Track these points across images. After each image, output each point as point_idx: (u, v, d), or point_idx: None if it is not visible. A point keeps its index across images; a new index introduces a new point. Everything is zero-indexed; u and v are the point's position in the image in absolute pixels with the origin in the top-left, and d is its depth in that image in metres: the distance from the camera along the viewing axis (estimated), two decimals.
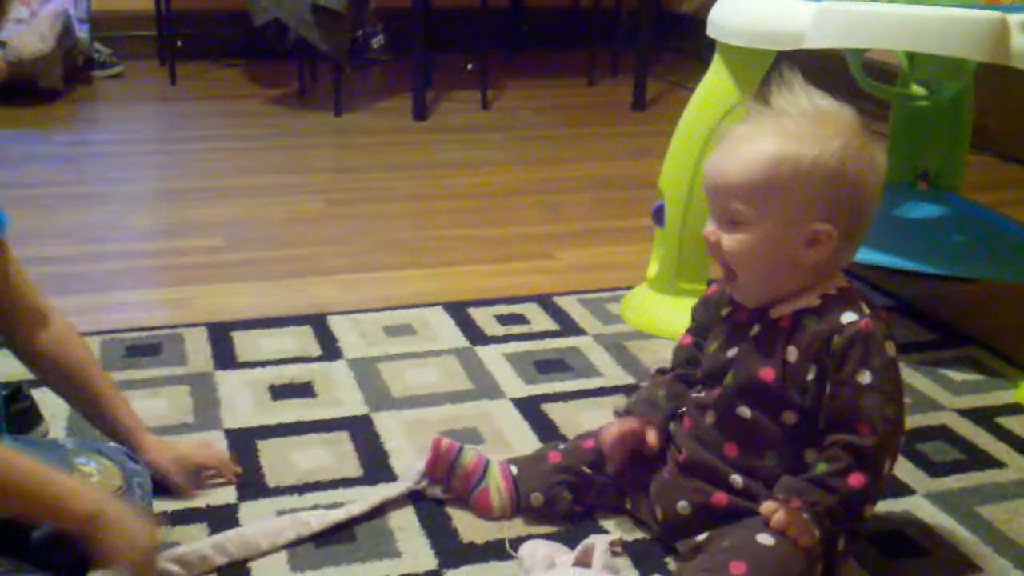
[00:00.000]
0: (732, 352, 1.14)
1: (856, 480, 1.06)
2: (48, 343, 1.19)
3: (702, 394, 1.18)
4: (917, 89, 2.05)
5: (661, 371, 1.27)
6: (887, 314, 1.12)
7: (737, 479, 1.13)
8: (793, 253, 1.09)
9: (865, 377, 1.06)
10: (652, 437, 1.20)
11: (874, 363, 1.06)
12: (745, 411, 1.12)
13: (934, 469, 1.37)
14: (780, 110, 1.11)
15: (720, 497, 1.13)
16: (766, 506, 1.08)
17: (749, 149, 1.09)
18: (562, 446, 1.28)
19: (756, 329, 1.13)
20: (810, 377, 1.08)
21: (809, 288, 1.11)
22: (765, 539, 1.06)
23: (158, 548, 1.06)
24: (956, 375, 1.63)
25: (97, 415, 1.23)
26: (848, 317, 1.07)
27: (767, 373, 1.10)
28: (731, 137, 1.12)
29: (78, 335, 1.23)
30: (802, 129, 1.08)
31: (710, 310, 1.22)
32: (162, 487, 1.22)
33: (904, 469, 1.36)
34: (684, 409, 1.20)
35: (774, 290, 1.12)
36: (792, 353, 1.09)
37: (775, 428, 1.11)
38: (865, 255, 1.74)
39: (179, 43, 3.71)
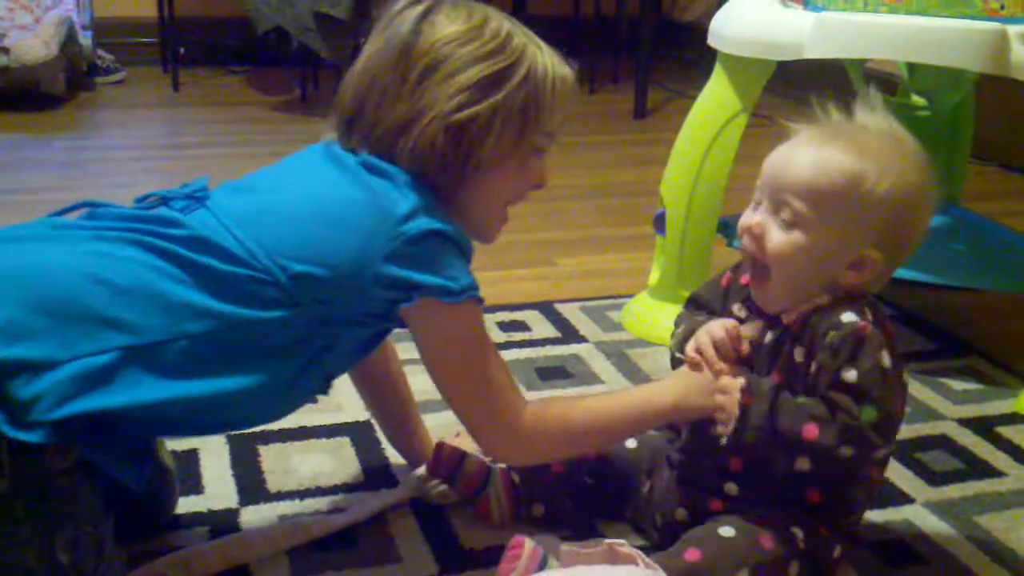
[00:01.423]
0: (755, 363, 1.12)
1: (810, 431, 1.04)
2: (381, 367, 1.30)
3: None
4: (917, 99, 2.05)
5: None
6: (891, 326, 1.10)
7: (732, 487, 1.13)
8: (834, 271, 1.07)
9: (850, 375, 1.04)
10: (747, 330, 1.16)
11: (862, 364, 1.04)
12: None
13: (934, 478, 1.37)
14: (862, 125, 1.08)
15: (716, 504, 1.14)
16: (725, 380, 1.09)
17: (828, 155, 1.05)
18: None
19: (770, 336, 1.11)
20: (809, 371, 1.07)
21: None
22: (726, 531, 1.07)
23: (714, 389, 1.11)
24: (956, 384, 1.63)
25: (403, 433, 1.33)
26: (848, 316, 1.06)
27: (775, 378, 1.10)
28: (805, 136, 1.09)
29: (394, 349, 1.31)
30: (881, 151, 1.05)
31: (718, 298, 1.20)
32: None
33: (904, 478, 1.36)
34: None
35: (798, 299, 1.10)
36: (799, 353, 1.09)
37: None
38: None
39: (182, 50, 3.73)
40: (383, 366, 1.30)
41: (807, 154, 1.07)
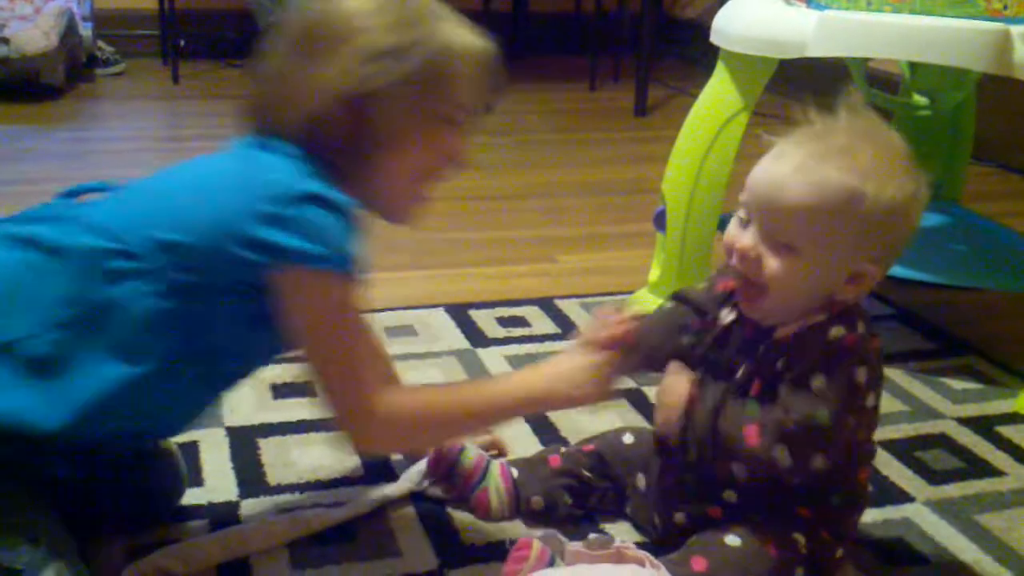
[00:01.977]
0: (740, 373, 1.10)
1: (751, 437, 1.03)
2: None
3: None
4: (919, 99, 2.05)
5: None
6: (877, 339, 1.08)
7: (731, 494, 1.11)
8: (832, 288, 1.05)
9: (817, 380, 1.03)
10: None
11: (834, 373, 1.03)
12: None
13: (934, 477, 1.37)
14: (849, 132, 1.04)
15: (716, 511, 1.12)
16: (679, 378, 1.09)
17: (825, 175, 1.01)
18: (563, 449, 1.28)
19: (761, 350, 1.09)
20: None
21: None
22: (732, 540, 1.06)
23: (593, 374, 1.11)
24: (956, 384, 1.63)
25: None
26: (837, 331, 1.04)
27: (756, 388, 1.08)
28: (797, 153, 1.03)
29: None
30: (879, 164, 1.02)
31: (710, 304, 1.17)
32: None
33: (904, 477, 1.36)
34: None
35: (794, 315, 1.07)
36: (782, 363, 1.06)
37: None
38: None
39: (182, 42, 3.72)
40: None
41: (800, 175, 1.02)
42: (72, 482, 1.05)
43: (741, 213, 1.07)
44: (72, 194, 1.09)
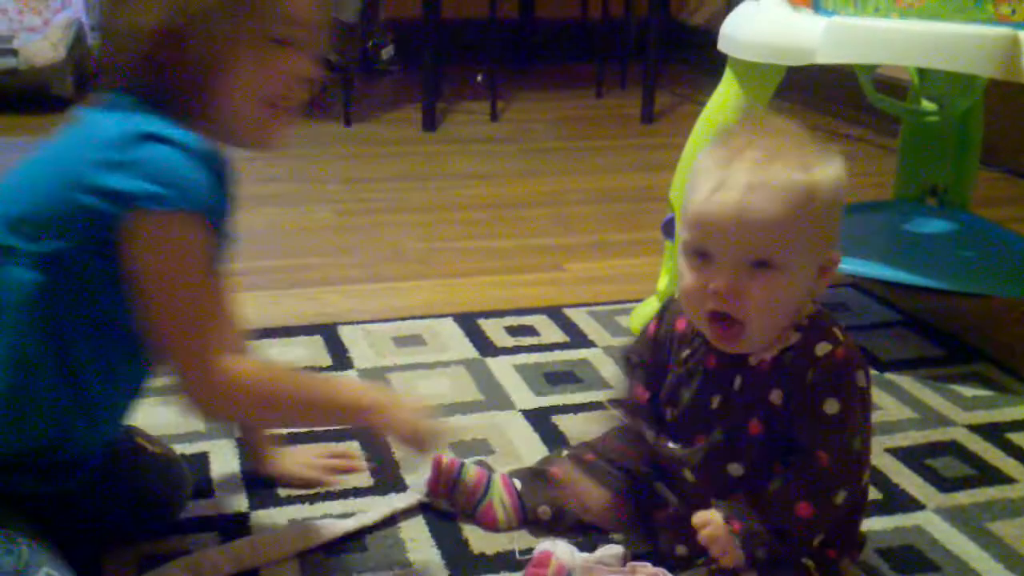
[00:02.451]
0: (715, 404, 1.07)
1: (804, 510, 1.02)
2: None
3: (675, 446, 1.12)
4: (927, 105, 2.05)
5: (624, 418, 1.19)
6: (852, 340, 1.06)
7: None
8: (810, 287, 1.04)
9: (831, 406, 1.01)
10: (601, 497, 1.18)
11: (844, 392, 1.02)
12: (736, 468, 1.07)
13: (945, 484, 1.36)
14: (753, 134, 1.03)
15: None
16: (697, 516, 1.03)
17: (773, 182, 0.99)
18: (565, 453, 1.27)
19: (739, 381, 1.07)
20: (792, 412, 1.04)
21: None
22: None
23: (432, 420, 1.10)
24: (966, 390, 1.63)
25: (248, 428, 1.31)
26: (823, 348, 1.03)
27: (755, 426, 1.06)
28: (730, 172, 1.00)
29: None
30: (804, 153, 1.01)
31: (659, 352, 1.14)
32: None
33: (915, 484, 1.36)
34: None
35: (776, 334, 1.05)
36: (776, 396, 1.05)
37: (767, 481, 1.05)
38: (875, 270, 1.75)
39: None
40: None
41: (755, 192, 0.98)
42: (47, 496, 1.05)
43: (689, 256, 1.03)
44: None
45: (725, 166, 1.00)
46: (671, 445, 1.13)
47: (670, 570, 1.11)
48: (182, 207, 0.94)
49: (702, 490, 1.09)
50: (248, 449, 1.34)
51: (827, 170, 1.02)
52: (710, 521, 1.03)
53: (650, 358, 1.16)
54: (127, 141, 0.94)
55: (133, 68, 0.99)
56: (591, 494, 1.18)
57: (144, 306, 0.97)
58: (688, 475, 1.11)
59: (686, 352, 1.11)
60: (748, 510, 1.03)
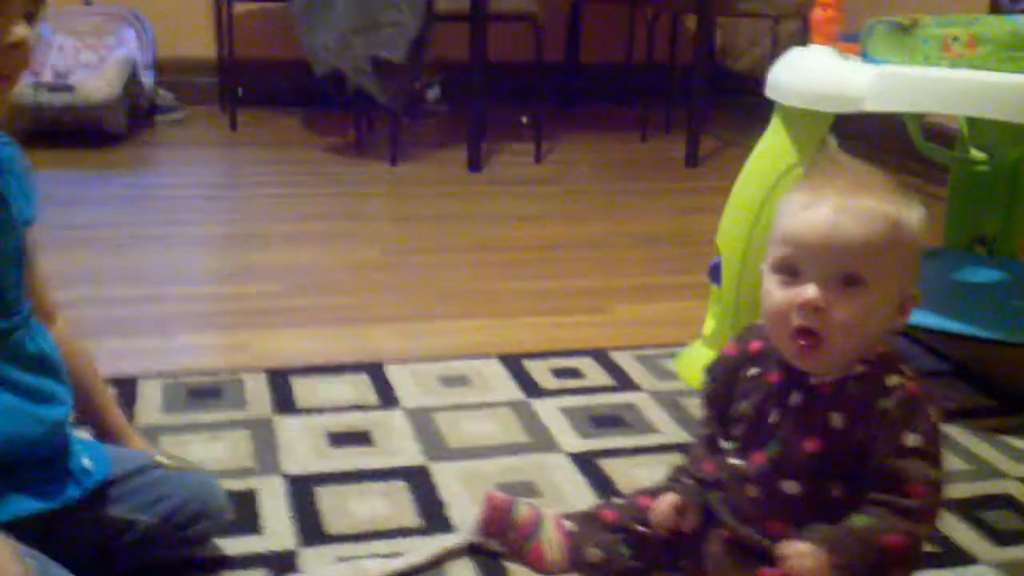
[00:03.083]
0: (772, 418, 1.10)
1: (895, 540, 1.02)
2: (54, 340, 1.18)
3: (740, 462, 1.14)
4: (976, 153, 2.04)
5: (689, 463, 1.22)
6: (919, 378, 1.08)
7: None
8: (890, 319, 1.07)
9: (911, 440, 1.03)
10: (689, 521, 1.18)
11: (920, 426, 1.04)
12: (792, 486, 1.08)
13: (998, 538, 1.35)
14: (850, 167, 1.09)
15: (766, 573, 1.09)
16: (795, 546, 1.02)
17: (867, 205, 1.03)
18: (618, 501, 1.28)
19: (797, 398, 1.09)
20: (858, 440, 1.05)
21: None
22: None
23: None
24: (1018, 442, 1.61)
25: (90, 413, 1.25)
26: (893, 380, 1.05)
27: (812, 444, 1.07)
28: (823, 194, 1.05)
29: (76, 336, 1.23)
30: (892, 192, 1.06)
31: (731, 370, 1.17)
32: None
33: (967, 538, 1.34)
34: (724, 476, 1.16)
35: (854, 359, 1.07)
36: (837, 419, 1.06)
37: (822, 503, 1.07)
38: (924, 319, 1.74)
39: (240, 90, 3.79)
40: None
41: (845, 214, 1.03)
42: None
43: (777, 274, 1.07)
44: None
45: (815, 191, 1.06)
46: (733, 461, 1.14)
47: None
48: None
49: (760, 507, 1.10)
50: (101, 430, 1.27)
51: (911, 208, 1.06)
52: (808, 553, 1.02)
53: (723, 379, 1.18)
54: None
55: None
56: (687, 519, 1.18)
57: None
58: (750, 490, 1.11)
59: (754, 371, 1.14)
60: (844, 540, 1.02)
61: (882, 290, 1.04)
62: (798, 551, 1.02)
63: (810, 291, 1.04)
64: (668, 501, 1.18)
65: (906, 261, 1.06)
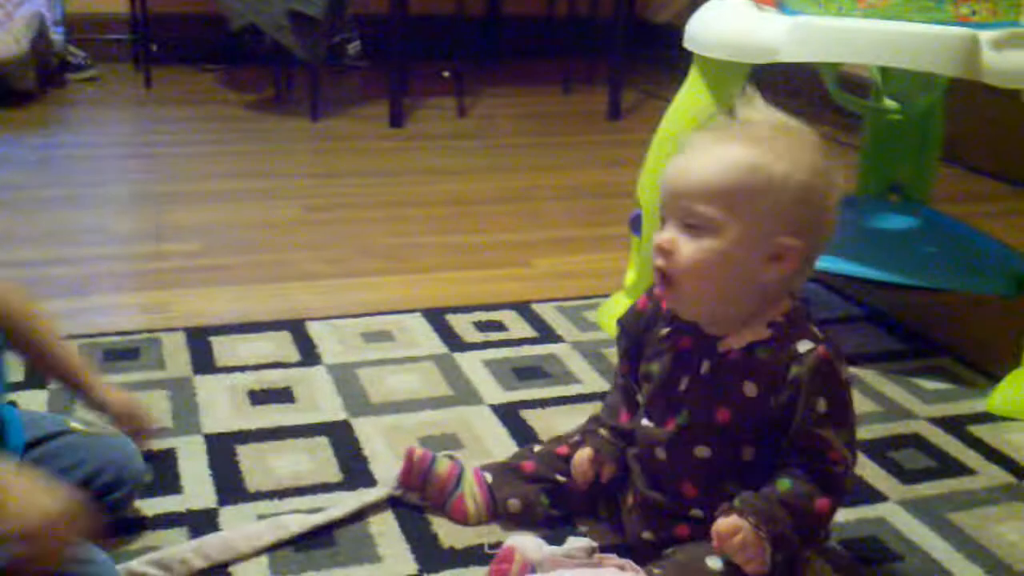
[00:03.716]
0: (683, 385, 1.11)
1: (822, 504, 1.04)
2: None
3: (650, 424, 1.14)
4: (890, 103, 2.08)
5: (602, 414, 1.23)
6: (829, 336, 1.09)
7: (698, 512, 1.11)
8: (753, 269, 1.05)
9: (822, 404, 1.04)
10: (607, 473, 1.19)
11: (831, 391, 1.05)
12: (702, 451, 1.10)
13: (907, 476, 1.39)
14: (748, 121, 1.09)
15: (682, 529, 1.12)
16: (724, 523, 1.02)
17: (722, 153, 1.05)
18: (537, 448, 1.29)
19: (707, 366, 1.09)
20: (771, 407, 1.06)
21: (756, 315, 1.08)
22: (714, 563, 1.04)
23: (67, 518, 0.91)
24: (928, 384, 1.65)
25: (45, 362, 1.22)
26: (804, 345, 1.05)
27: (723, 414, 1.08)
28: (699, 142, 1.08)
29: (13, 289, 1.19)
30: (773, 139, 1.05)
31: (642, 324, 1.18)
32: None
33: (877, 476, 1.38)
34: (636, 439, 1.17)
35: (719, 308, 1.08)
36: (750, 388, 1.07)
37: (734, 465, 1.09)
38: (837, 265, 1.77)
39: (154, 47, 3.70)
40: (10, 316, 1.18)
41: (700, 158, 1.06)
42: None
43: (661, 213, 1.09)
44: None
45: (695, 140, 1.08)
46: (645, 422, 1.15)
47: (635, 558, 1.12)
48: None
49: (672, 470, 1.12)
50: (69, 385, 1.25)
51: (789, 158, 1.04)
52: (739, 527, 1.02)
53: (634, 333, 1.19)
54: None
55: None
56: (604, 471, 1.19)
57: None
58: (660, 453, 1.13)
59: (665, 330, 1.14)
60: (772, 511, 1.03)
61: (736, 236, 1.04)
62: (732, 527, 1.02)
63: (664, 234, 1.07)
64: (585, 456, 1.20)
65: (774, 212, 1.04)
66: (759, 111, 1.10)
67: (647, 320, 1.18)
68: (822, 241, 1.09)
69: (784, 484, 1.05)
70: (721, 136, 1.07)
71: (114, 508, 1.17)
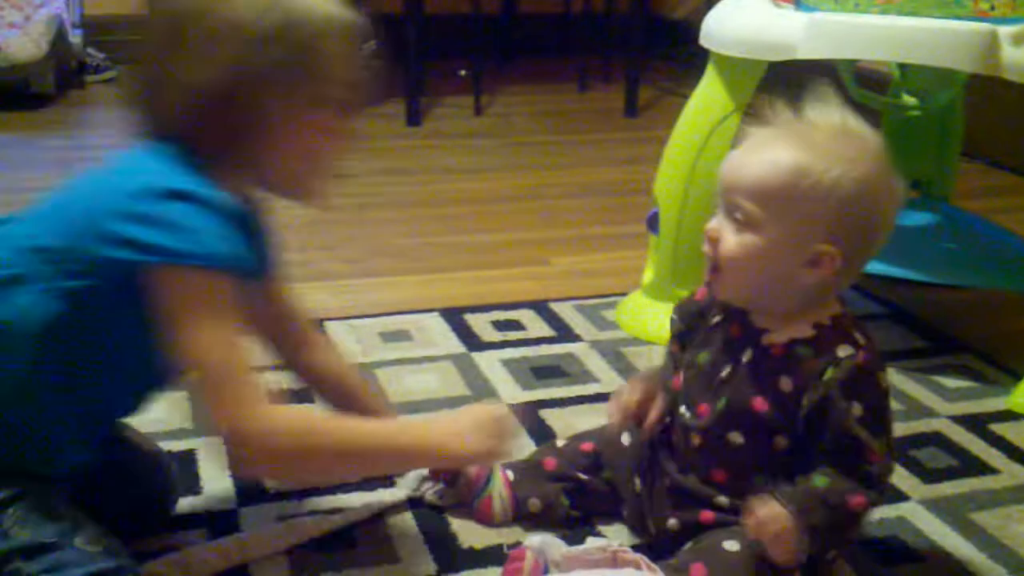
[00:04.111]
0: (725, 372, 1.12)
1: (858, 501, 1.04)
2: (314, 360, 1.24)
3: (687, 412, 1.16)
4: (908, 99, 2.07)
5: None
6: (874, 344, 1.10)
7: (723, 500, 1.12)
8: (790, 270, 1.06)
9: (858, 410, 1.04)
10: (653, 415, 1.19)
11: (866, 396, 1.05)
12: (736, 437, 1.11)
13: (928, 475, 1.38)
14: (808, 122, 1.09)
15: (707, 515, 1.13)
16: (765, 511, 1.02)
17: (772, 153, 1.06)
18: (559, 444, 1.29)
19: (749, 355, 1.11)
20: (804, 405, 1.06)
21: (802, 314, 1.09)
22: (730, 545, 1.06)
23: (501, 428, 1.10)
24: (949, 382, 1.64)
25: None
26: (845, 350, 1.06)
27: (760, 403, 1.09)
28: (755, 139, 1.10)
29: (335, 348, 1.29)
30: (828, 145, 1.05)
31: (695, 312, 1.20)
32: None
33: (899, 476, 1.37)
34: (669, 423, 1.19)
35: (758, 301, 1.11)
36: (786, 383, 1.08)
37: (766, 453, 1.10)
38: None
39: None
40: (325, 366, 1.25)
41: (752, 156, 1.08)
42: None
43: (716, 201, 1.11)
44: None
45: (761, 132, 1.10)
46: (682, 409, 1.16)
47: (659, 545, 1.14)
48: (207, 264, 0.95)
49: (704, 456, 1.13)
50: None
51: (839, 166, 1.04)
52: (779, 516, 1.02)
53: (687, 318, 1.21)
54: (158, 195, 0.95)
55: (179, 118, 0.99)
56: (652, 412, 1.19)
57: (176, 357, 0.98)
58: (695, 438, 1.14)
59: (717, 318, 1.16)
60: (811, 504, 1.03)
61: (775, 237, 1.05)
62: (773, 515, 1.03)
63: (712, 223, 1.10)
64: (634, 395, 1.19)
65: (818, 217, 1.04)
66: (826, 112, 1.09)
67: (702, 309, 1.19)
68: (868, 250, 1.10)
69: (822, 480, 1.05)
70: (779, 136, 1.08)
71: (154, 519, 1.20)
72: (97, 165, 1.06)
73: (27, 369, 0.98)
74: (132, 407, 1.12)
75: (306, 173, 1.08)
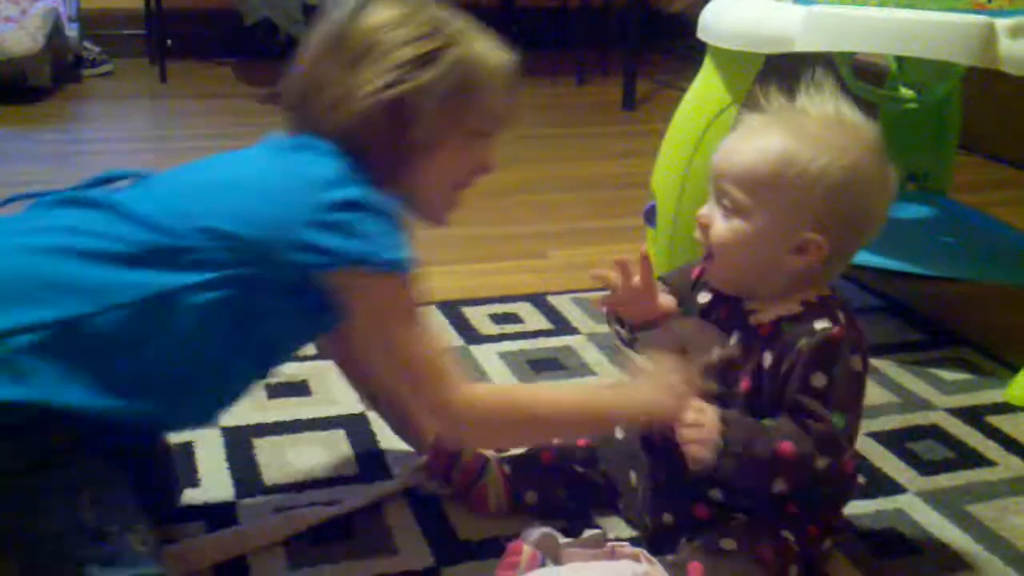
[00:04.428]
0: (713, 355, 1.12)
1: (787, 447, 1.03)
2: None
3: None
4: (906, 91, 2.07)
5: None
6: (862, 325, 1.10)
7: (716, 493, 1.12)
8: (777, 256, 1.07)
9: (819, 380, 1.05)
10: (664, 304, 1.20)
11: (833, 370, 1.05)
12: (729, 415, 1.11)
13: (925, 468, 1.38)
14: (802, 110, 1.09)
15: (702, 510, 1.13)
16: (695, 405, 1.06)
17: (761, 141, 1.07)
18: (556, 440, 1.29)
19: (736, 337, 1.11)
20: (778, 375, 1.07)
21: (789, 295, 1.09)
22: (727, 543, 1.07)
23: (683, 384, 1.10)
24: (946, 374, 1.65)
25: (404, 425, 1.34)
26: (822, 323, 1.06)
27: (745, 383, 1.10)
28: (746, 126, 1.11)
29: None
30: (819, 134, 1.05)
31: (684, 284, 1.21)
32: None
33: (895, 467, 1.37)
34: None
35: (747, 285, 1.11)
36: (767, 358, 1.08)
37: None
38: (857, 256, 1.76)
39: (169, 41, 3.71)
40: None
41: (741, 144, 1.09)
42: None
43: (709, 187, 1.12)
44: (103, 181, 1.12)
45: (755, 120, 1.11)
46: None
47: (654, 541, 1.14)
48: (396, 269, 1.01)
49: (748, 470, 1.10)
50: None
51: (828, 155, 1.04)
52: (704, 408, 1.06)
53: (677, 286, 1.22)
54: (343, 204, 0.99)
55: (346, 126, 1.04)
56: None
57: (373, 358, 1.07)
58: None
59: (706, 298, 1.16)
60: (742, 423, 1.06)
61: (762, 224, 1.06)
62: (699, 406, 1.06)
63: (704, 209, 1.11)
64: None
65: (804, 206, 1.05)
66: (820, 100, 1.09)
67: (691, 282, 1.20)
68: (858, 239, 1.10)
69: (767, 421, 1.06)
70: (770, 123, 1.09)
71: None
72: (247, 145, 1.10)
73: (188, 334, 0.99)
74: (236, 398, 1.12)
75: (444, 198, 1.15)
